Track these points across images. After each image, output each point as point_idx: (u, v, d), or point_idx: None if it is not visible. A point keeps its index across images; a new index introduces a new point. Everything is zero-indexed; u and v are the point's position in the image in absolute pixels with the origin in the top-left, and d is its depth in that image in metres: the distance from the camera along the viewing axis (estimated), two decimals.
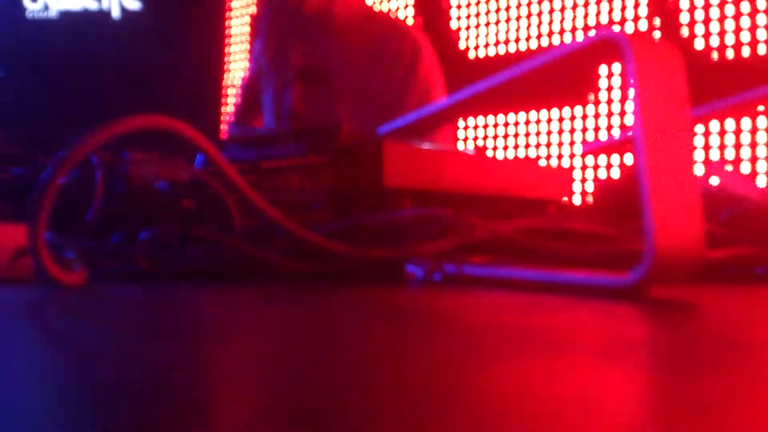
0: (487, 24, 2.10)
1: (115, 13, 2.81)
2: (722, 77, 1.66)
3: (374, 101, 1.65)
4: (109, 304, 0.50)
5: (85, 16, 2.80)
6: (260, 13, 1.89)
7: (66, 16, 2.80)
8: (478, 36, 2.11)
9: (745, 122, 1.61)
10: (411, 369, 0.27)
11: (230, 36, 2.83)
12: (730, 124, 1.62)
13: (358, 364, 0.28)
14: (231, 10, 2.81)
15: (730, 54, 1.70)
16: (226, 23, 2.82)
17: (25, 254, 0.56)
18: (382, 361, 0.28)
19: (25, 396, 0.23)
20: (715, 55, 1.71)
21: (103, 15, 2.79)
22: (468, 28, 2.14)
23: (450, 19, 2.18)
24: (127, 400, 0.22)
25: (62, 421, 0.20)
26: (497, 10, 2.07)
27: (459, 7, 2.16)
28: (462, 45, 2.14)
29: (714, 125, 1.63)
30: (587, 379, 0.26)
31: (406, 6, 2.27)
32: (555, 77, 0.62)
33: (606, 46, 0.51)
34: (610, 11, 1.89)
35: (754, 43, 1.67)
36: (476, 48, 2.12)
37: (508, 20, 2.06)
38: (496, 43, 2.07)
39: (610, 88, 1.85)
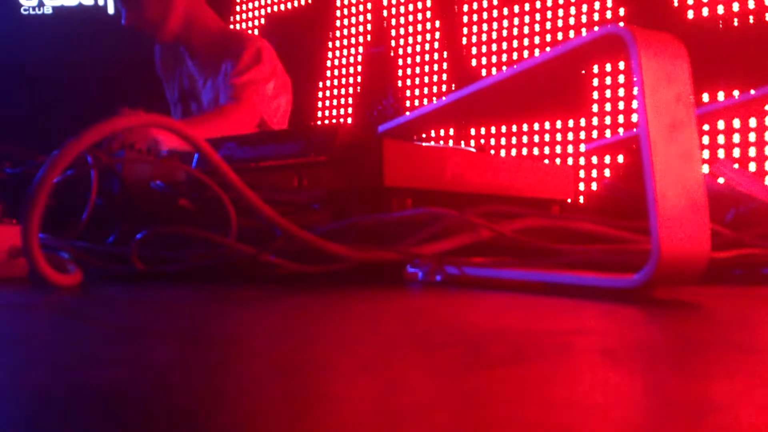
0: (500, 41, 2.09)
1: (111, 9, 2.81)
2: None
3: None
4: (103, 305, 0.49)
5: (80, 12, 2.80)
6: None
7: (61, 12, 2.80)
8: (491, 54, 2.10)
9: (752, 120, 1.60)
10: (410, 372, 0.27)
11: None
12: (736, 121, 1.61)
13: (356, 368, 0.27)
14: (236, 5, 2.81)
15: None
16: (228, 18, 2.82)
17: (20, 254, 0.55)
18: (381, 364, 0.28)
19: (19, 397, 0.22)
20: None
21: (99, 11, 2.79)
22: (479, 44, 2.13)
23: (465, 37, 2.17)
24: (123, 401, 0.22)
25: (58, 422, 0.19)
26: (509, 27, 2.06)
27: (471, 24, 2.15)
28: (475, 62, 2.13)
29: (720, 123, 1.62)
30: (590, 383, 0.25)
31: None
32: (556, 80, 0.61)
33: (610, 41, 0.51)
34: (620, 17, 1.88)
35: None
36: (490, 65, 2.11)
37: (520, 38, 2.05)
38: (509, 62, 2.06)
39: (614, 85, 1.84)
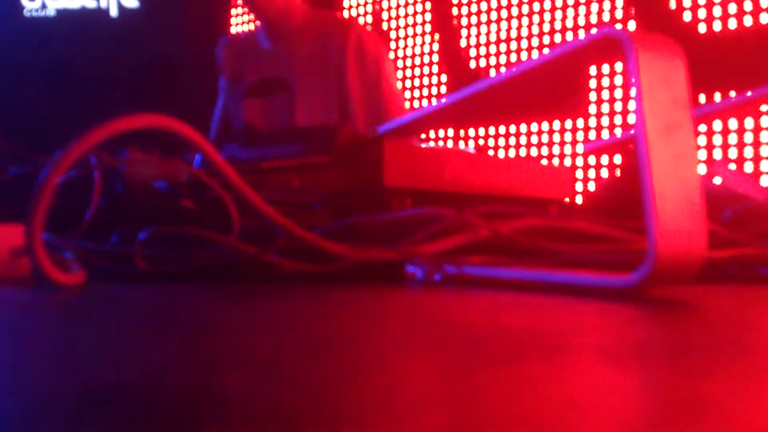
0: (498, 43, 2.09)
1: (113, 12, 2.81)
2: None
3: (327, 98, 1.68)
4: (107, 304, 0.49)
5: (83, 14, 2.80)
6: (220, 43, 1.92)
7: (64, 15, 2.80)
8: (489, 56, 2.10)
9: (749, 121, 1.60)
10: (409, 370, 0.27)
11: (230, 36, 2.83)
12: (733, 122, 1.62)
13: (356, 366, 0.27)
14: (235, 6, 2.81)
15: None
16: (229, 21, 2.83)
17: (23, 254, 0.56)
18: (381, 363, 0.28)
19: (22, 396, 0.22)
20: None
21: (102, 13, 2.79)
22: (478, 46, 2.13)
23: (461, 37, 2.17)
24: (124, 400, 0.22)
25: (61, 421, 0.20)
26: (508, 29, 2.06)
27: (469, 26, 2.15)
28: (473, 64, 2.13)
29: (717, 124, 1.63)
30: (587, 381, 0.26)
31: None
32: (553, 82, 0.61)
33: (608, 43, 0.51)
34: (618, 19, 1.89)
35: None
36: (488, 67, 2.11)
37: (518, 39, 2.06)
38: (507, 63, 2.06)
39: (612, 87, 1.85)
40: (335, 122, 1.64)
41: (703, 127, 1.62)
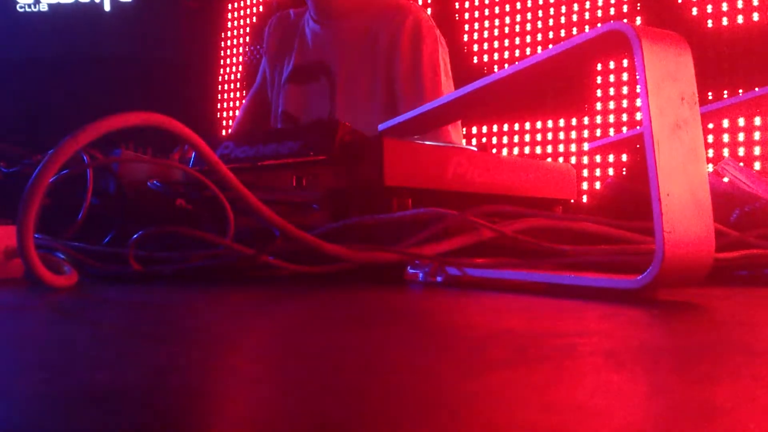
0: (501, 38, 2.08)
1: (107, 6, 2.81)
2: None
3: (373, 91, 1.55)
4: (100, 306, 0.49)
5: (76, 9, 2.80)
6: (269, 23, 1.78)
7: (57, 9, 2.80)
8: (492, 52, 2.09)
9: (757, 119, 1.59)
10: (411, 375, 0.26)
11: (227, 29, 2.82)
12: (741, 120, 1.60)
13: (357, 370, 0.27)
14: (231, 1, 2.80)
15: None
16: (226, 15, 2.82)
17: (15, 255, 0.55)
18: (381, 367, 0.28)
19: (15, 399, 0.22)
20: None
21: (95, 8, 2.79)
22: (480, 41, 2.12)
23: (463, 32, 2.16)
24: (119, 404, 0.21)
25: (55, 424, 0.19)
26: (512, 24, 2.05)
27: (472, 20, 2.14)
28: (475, 59, 2.12)
29: (725, 121, 1.62)
30: (594, 385, 0.25)
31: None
32: (559, 77, 0.60)
33: (613, 38, 0.50)
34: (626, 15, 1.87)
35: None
36: (491, 63, 2.09)
37: (522, 34, 2.04)
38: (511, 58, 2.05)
39: (618, 83, 1.83)
40: (331, 118, 1.53)
41: (710, 125, 1.61)
